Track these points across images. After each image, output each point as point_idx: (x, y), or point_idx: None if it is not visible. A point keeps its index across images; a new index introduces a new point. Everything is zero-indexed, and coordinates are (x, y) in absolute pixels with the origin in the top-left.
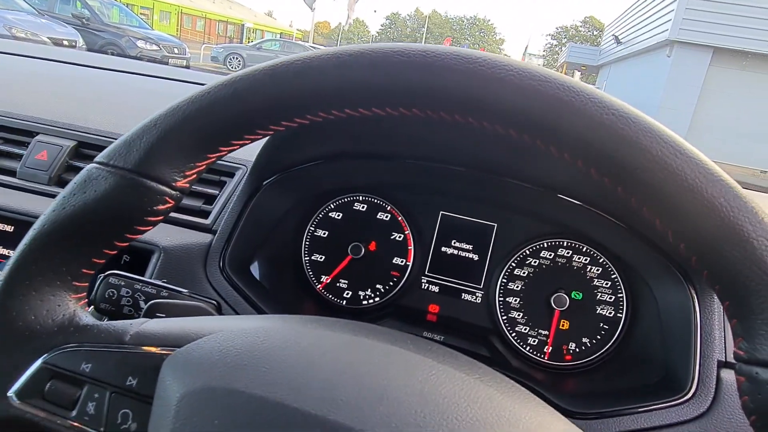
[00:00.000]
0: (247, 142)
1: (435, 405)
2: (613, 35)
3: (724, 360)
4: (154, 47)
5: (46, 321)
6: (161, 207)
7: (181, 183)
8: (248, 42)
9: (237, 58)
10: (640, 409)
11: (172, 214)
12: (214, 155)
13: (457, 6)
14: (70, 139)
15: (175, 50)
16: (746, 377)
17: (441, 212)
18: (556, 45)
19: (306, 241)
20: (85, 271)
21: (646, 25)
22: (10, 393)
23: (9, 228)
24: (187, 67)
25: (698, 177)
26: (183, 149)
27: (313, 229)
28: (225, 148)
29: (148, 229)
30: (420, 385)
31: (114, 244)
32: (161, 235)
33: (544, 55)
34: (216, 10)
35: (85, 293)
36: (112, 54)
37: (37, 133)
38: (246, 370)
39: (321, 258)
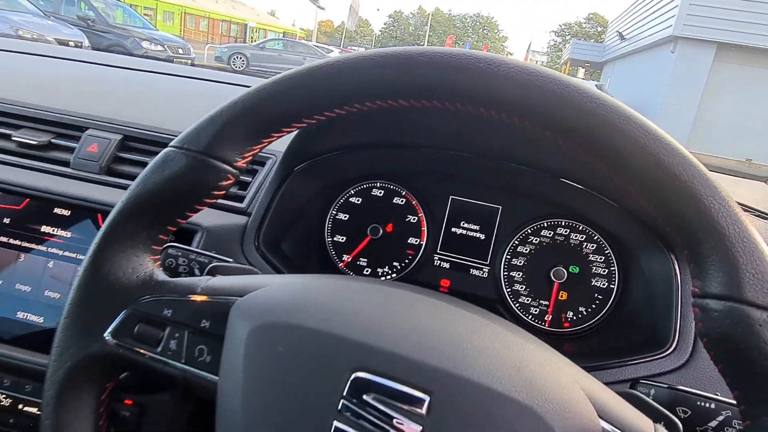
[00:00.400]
0: (293, 129)
1: (449, 329)
2: (617, 32)
3: None
4: (159, 48)
5: (131, 277)
6: (224, 183)
7: (240, 163)
8: (251, 41)
9: (240, 58)
10: (627, 363)
11: None
12: (267, 140)
13: (461, 4)
14: (117, 133)
15: (180, 50)
16: (700, 308)
17: (451, 196)
18: (560, 42)
19: (329, 223)
20: (161, 237)
21: (650, 21)
22: (106, 334)
23: (66, 212)
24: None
25: (660, 150)
26: (242, 135)
27: (335, 212)
28: (276, 134)
29: (213, 202)
30: (445, 322)
31: (185, 214)
32: (203, 217)
33: (547, 52)
34: (219, 10)
35: (159, 257)
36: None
37: (87, 128)
38: (301, 309)
39: (342, 239)
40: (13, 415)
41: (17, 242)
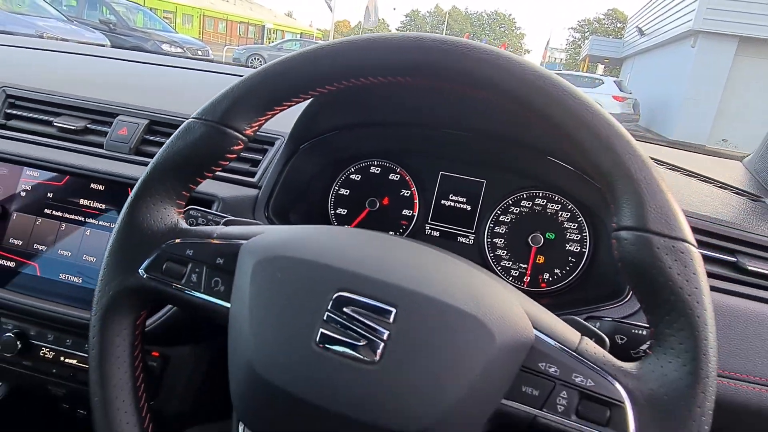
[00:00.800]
0: (293, 103)
1: (413, 258)
2: (636, 27)
3: None
4: (179, 50)
5: (160, 224)
6: (236, 147)
7: (249, 131)
8: (269, 42)
9: (258, 59)
10: (589, 311)
11: (228, 174)
12: (271, 112)
13: (478, 1)
14: (144, 119)
15: (199, 52)
16: (616, 239)
17: (441, 172)
18: (578, 38)
19: (332, 198)
20: (184, 193)
21: (670, 15)
22: (140, 270)
23: (101, 187)
24: None
25: (584, 112)
26: (251, 107)
27: (337, 188)
28: (278, 108)
29: (227, 164)
30: (410, 254)
31: (204, 174)
32: (219, 189)
33: (566, 49)
34: (237, 12)
35: (183, 210)
36: None
37: (118, 114)
38: (296, 245)
39: (344, 211)
40: (56, 366)
41: (59, 214)
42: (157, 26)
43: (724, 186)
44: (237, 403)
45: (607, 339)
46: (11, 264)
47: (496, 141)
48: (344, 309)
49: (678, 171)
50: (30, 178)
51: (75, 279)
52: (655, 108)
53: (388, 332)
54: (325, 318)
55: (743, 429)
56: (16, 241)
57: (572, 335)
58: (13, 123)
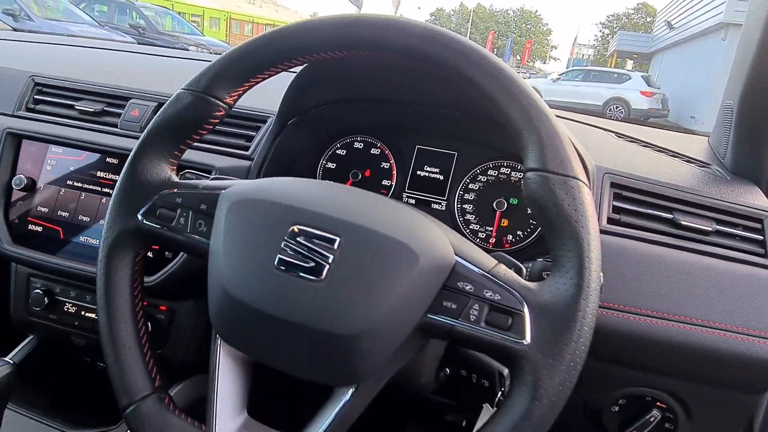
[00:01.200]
0: (266, 76)
1: (355, 199)
2: (665, 21)
3: None
4: (206, 52)
5: (155, 178)
6: (218, 113)
7: (229, 99)
8: None
9: None
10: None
11: (224, 147)
12: (248, 84)
13: None
14: (153, 102)
15: None
16: (524, 181)
17: (417, 146)
18: (607, 34)
19: (320, 171)
20: (176, 152)
21: (700, 8)
22: (138, 215)
23: (115, 161)
24: None
25: (498, 74)
26: (229, 79)
27: (324, 162)
28: (254, 79)
29: (210, 128)
30: (355, 196)
31: (192, 136)
32: (216, 160)
33: (594, 45)
34: (263, 14)
35: (175, 167)
36: None
37: (131, 98)
38: (266, 191)
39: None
40: (77, 319)
41: (79, 184)
42: (185, 29)
43: (675, 155)
44: (214, 320)
45: (524, 268)
46: (39, 228)
47: (466, 116)
48: (298, 239)
49: (636, 143)
50: (55, 154)
51: (93, 241)
52: (685, 102)
53: (332, 256)
54: (282, 246)
55: (676, 365)
56: (42, 209)
57: (487, 261)
58: (40, 107)
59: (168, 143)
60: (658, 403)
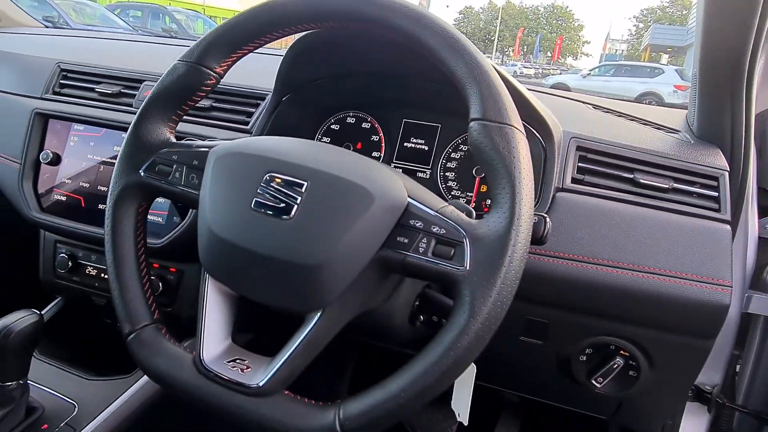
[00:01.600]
0: (251, 48)
1: (324, 151)
2: None
3: (559, 186)
4: None
5: (155, 139)
6: (209, 81)
7: (219, 69)
8: None
9: None
10: None
11: (226, 123)
12: (235, 55)
13: None
14: None
15: None
16: (468, 131)
17: (404, 120)
18: (641, 28)
19: None
20: (174, 117)
21: None
22: (141, 171)
23: None
24: None
25: (443, 33)
26: (219, 50)
27: (320, 137)
28: (240, 51)
29: (203, 96)
30: (324, 150)
31: (187, 102)
32: (218, 133)
33: (627, 40)
34: None
35: (174, 130)
36: None
37: (144, 81)
38: (248, 145)
39: None
40: (97, 280)
41: (98, 158)
42: None
43: (646, 123)
44: (202, 257)
45: (474, 212)
46: (63, 198)
47: (448, 89)
48: (271, 184)
49: (611, 113)
50: (77, 131)
51: None
52: None
53: (300, 198)
54: (258, 191)
55: (633, 312)
56: (66, 180)
57: (437, 202)
58: (65, 90)
59: (166, 109)
60: (622, 351)
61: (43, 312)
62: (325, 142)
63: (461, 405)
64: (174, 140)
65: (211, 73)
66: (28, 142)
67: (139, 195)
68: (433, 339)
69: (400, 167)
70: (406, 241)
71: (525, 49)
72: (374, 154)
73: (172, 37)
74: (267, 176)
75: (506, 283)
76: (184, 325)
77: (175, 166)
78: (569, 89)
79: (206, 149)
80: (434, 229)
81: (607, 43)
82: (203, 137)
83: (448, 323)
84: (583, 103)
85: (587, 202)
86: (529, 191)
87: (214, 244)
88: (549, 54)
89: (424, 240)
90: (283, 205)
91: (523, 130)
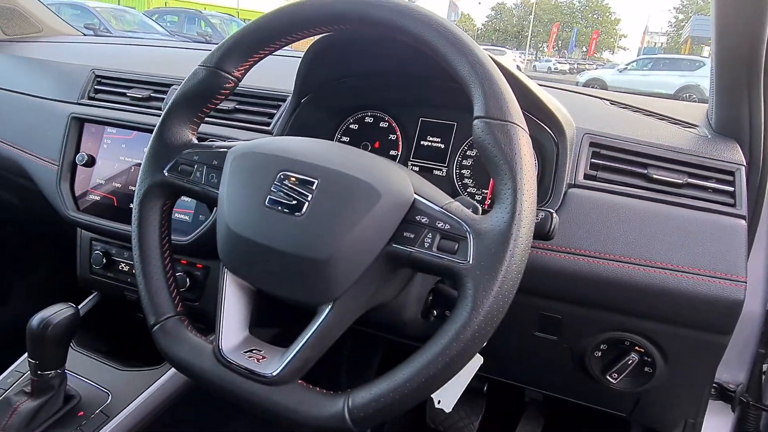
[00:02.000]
0: (267, 52)
1: (333, 150)
2: None
3: (571, 182)
4: None
5: (178, 140)
6: (228, 85)
7: (237, 73)
8: None
9: None
10: None
11: (248, 124)
12: (252, 59)
13: None
14: None
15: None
16: (473, 129)
17: (420, 118)
18: (682, 19)
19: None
20: (195, 119)
21: None
22: (164, 171)
23: None
24: None
25: (448, 35)
26: (236, 55)
27: (339, 136)
28: (256, 55)
29: (223, 98)
30: (333, 148)
31: (208, 105)
32: (241, 134)
33: (667, 32)
34: None
35: (195, 132)
36: None
37: (172, 84)
38: (263, 145)
39: None
40: (130, 276)
41: (130, 159)
42: None
43: (663, 118)
44: (220, 252)
45: (479, 207)
46: (97, 198)
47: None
48: (284, 182)
49: (628, 108)
50: (110, 134)
51: None
52: None
53: (311, 195)
54: (272, 188)
55: (647, 307)
56: (100, 181)
57: (443, 198)
58: (99, 95)
59: (188, 111)
60: (636, 347)
61: (79, 306)
62: (344, 141)
63: (448, 393)
64: (196, 141)
65: (230, 76)
66: (65, 145)
67: (163, 193)
68: (438, 331)
69: (417, 165)
70: (412, 236)
71: (559, 44)
72: (392, 152)
73: (206, 42)
74: (280, 174)
75: (508, 276)
76: (210, 320)
77: (196, 166)
78: (605, 85)
79: (225, 149)
80: (439, 225)
81: (645, 36)
82: (226, 138)
83: (451, 315)
84: (601, 98)
85: (600, 198)
86: (530, 187)
87: (230, 239)
88: (584, 49)
89: (429, 235)
90: (294, 202)
91: (525, 127)
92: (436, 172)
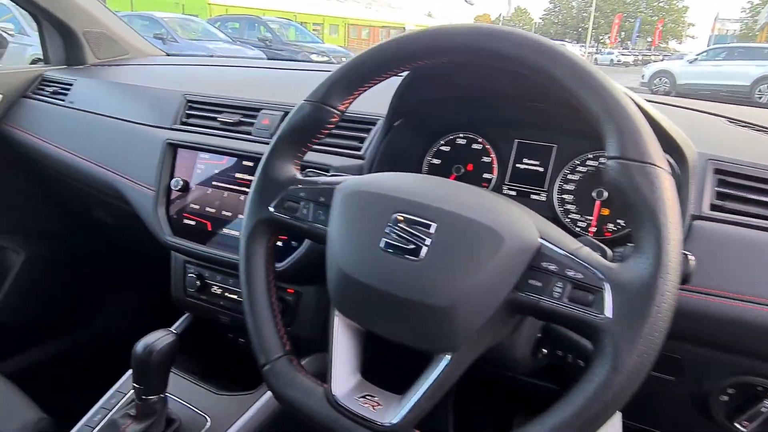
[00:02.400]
0: (371, 84)
1: (450, 189)
2: None
3: (696, 214)
4: (325, 58)
5: (283, 176)
6: (333, 119)
7: (342, 107)
8: None
9: None
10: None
11: (339, 149)
12: (356, 92)
13: None
14: (280, 111)
15: (343, 59)
16: (605, 169)
17: (516, 140)
18: (758, 4)
19: (426, 166)
20: (299, 154)
21: None
22: (270, 207)
23: (251, 164)
24: None
25: (576, 66)
26: (341, 89)
27: (429, 158)
28: (361, 88)
29: (326, 134)
30: (450, 188)
31: (312, 140)
32: (333, 160)
33: (740, 19)
34: (379, 18)
35: (299, 166)
36: None
37: (261, 109)
38: (372, 184)
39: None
40: (222, 299)
41: (222, 184)
42: (306, 38)
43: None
44: (331, 294)
45: (609, 251)
46: (192, 223)
47: (563, 108)
48: (400, 224)
49: (749, 127)
50: (203, 159)
51: (234, 233)
52: None
53: (429, 239)
54: (387, 231)
55: None
56: (194, 206)
57: (571, 242)
58: (191, 120)
59: (293, 146)
60: None
61: (174, 327)
62: (435, 164)
63: None
64: (300, 176)
65: (335, 111)
66: (161, 171)
67: (269, 230)
68: (572, 390)
69: (513, 189)
70: (539, 284)
71: (622, 36)
72: (485, 175)
73: (269, 47)
74: (395, 216)
75: (653, 334)
76: (302, 345)
77: (302, 203)
78: (673, 77)
79: (331, 186)
80: (570, 273)
81: (716, 24)
82: (319, 164)
83: (587, 374)
84: (717, 115)
85: (728, 231)
86: (677, 235)
87: (343, 281)
88: (649, 39)
89: (559, 284)
90: (412, 246)
91: (668, 168)
92: (534, 197)
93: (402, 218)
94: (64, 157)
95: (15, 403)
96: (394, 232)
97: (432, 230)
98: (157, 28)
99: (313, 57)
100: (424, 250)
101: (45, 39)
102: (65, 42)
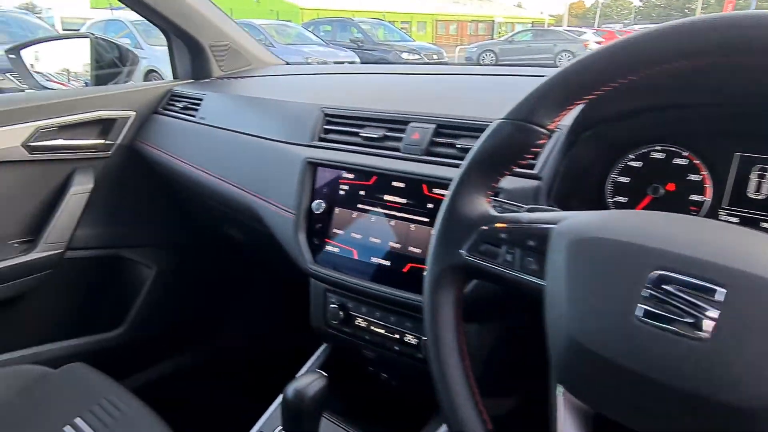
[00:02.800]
0: (594, 95)
1: (731, 238)
2: None
3: None
4: (416, 56)
5: (474, 212)
6: (540, 141)
7: (551, 125)
8: (499, 36)
9: (490, 54)
10: None
11: None
12: (571, 106)
13: None
14: (432, 124)
15: (434, 56)
16: None
17: (736, 153)
18: None
19: (608, 185)
20: (493, 184)
21: None
22: (462, 251)
23: (401, 184)
24: None
25: None
26: (551, 104)
27: (615, 176)
28: (577, 102)
29: (531, 158)
30: (725, 233)
31: (510, 167)
32: (502, 181)
33: None
34: (467, 12)
35: (491, 198)
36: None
37: (410, 122)
38: (610, 227)
39: (624, 199)
40: (368, 333)
41: (369, 207)
42: (395, 37)
43: None
44: (557, 368)
45: None
46: (336, 249)
47: None
48: (665, 287)
49: None
50: (346, 179)
51: (384, 262)
52: None
53: (716, 311)
54: (644, 294)
55: None
56: (338, 231)
57: None
58: (330, 136)
59: (487, 175)
60: None
61: (311, 363)
62: (622, 183)
63: None
64: (493, 212)
65: (543, 130)
66: (301, 192)
67: (460, 278)
68: None
69: (736, 215)
70: None
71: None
72: (694, 197)
73: (360, 48)
74: (656, 275)
75: None
76: None
77: (504, 247)
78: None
79: (544, 227)
80: None
81: None
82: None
83: None
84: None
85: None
86: None
87: (577, 356)
88: None
89: None
90: (690, 319)
91: None
92: (765, 225)
93: (668, 278)
94: (197, 175)
95: (142, 419)
96: (657, 297)
97: (721, 298)
98: (255, 34)
99: (404, 56)
100: (708, 324)
101: (174, 54)
102: (192, 56)
